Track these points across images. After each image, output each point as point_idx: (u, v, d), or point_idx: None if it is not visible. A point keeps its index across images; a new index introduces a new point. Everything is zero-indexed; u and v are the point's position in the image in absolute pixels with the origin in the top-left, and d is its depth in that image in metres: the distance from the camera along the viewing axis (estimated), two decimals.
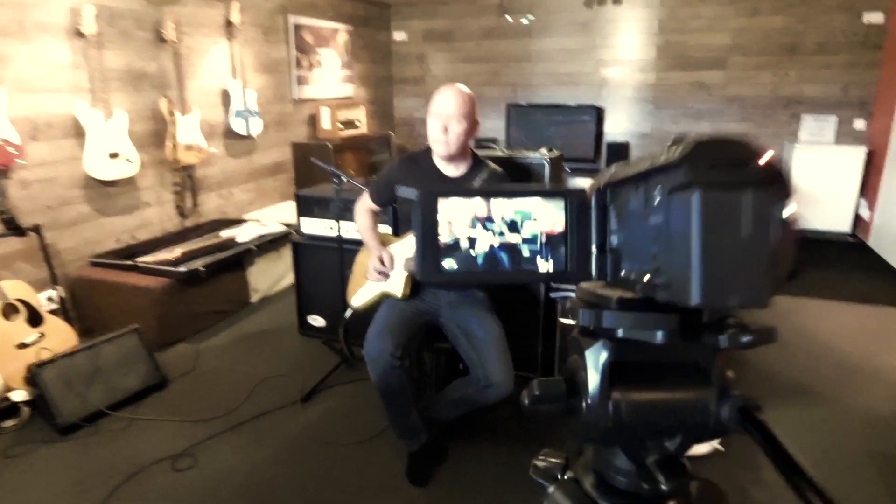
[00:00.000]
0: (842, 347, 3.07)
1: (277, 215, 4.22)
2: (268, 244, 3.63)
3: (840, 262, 4.52)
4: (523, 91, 5.96)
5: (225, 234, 3.63)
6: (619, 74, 5.61)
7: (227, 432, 2.35)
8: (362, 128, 5.31)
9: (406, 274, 2.09)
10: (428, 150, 2.13)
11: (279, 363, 2.92)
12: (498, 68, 5.98)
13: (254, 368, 2.86)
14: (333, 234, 2.90)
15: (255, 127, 4.27)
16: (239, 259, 3.48)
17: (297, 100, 4.92)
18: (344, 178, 2.54)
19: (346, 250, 2.70)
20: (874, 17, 4.76)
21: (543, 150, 2.54)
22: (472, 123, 1.98)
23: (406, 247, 2.13)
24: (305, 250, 3.05)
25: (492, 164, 2.13)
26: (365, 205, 2.27)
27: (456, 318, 2.09)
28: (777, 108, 5.24)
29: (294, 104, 4.90)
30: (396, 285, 2.10)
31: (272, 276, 3.77)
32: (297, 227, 3.06)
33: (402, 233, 2.20)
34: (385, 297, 2.16)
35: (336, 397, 2.61)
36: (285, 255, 3.82)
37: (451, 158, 2.05)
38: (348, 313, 2.41)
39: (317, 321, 3.15)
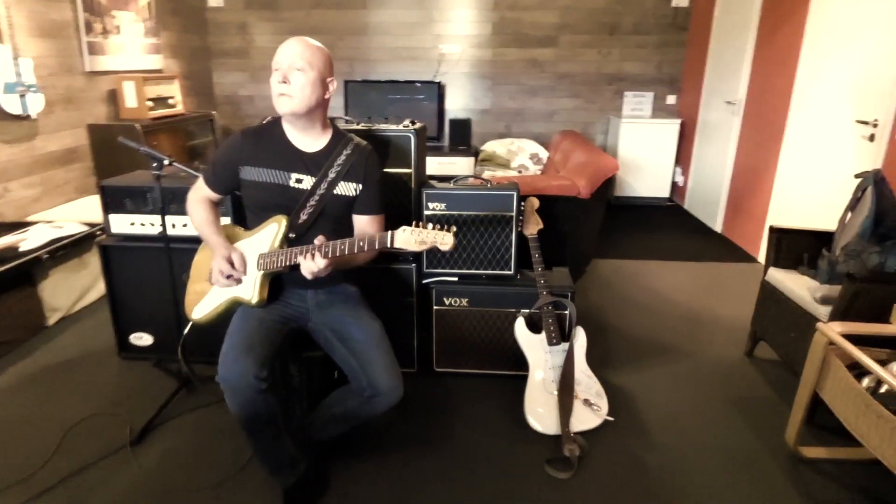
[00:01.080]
0: (685, 302, 3.30)
1: (75, 213, 3.43)
2: (65, 250, 2.90)
3: (663, 225, 4.96)
4: (360, 66, 5.62)
5: (2, 241, 2.82)
6: (457, 50, 5.53)
7: (32, 503, 1.77)
8: (177, 106, 4.57)
9: (261, 273, 1.70)
10: (276, 121, 1.76)
11: (96, 399, 2.32)
12: (332, 41, 5.54)
13: (61, 411, 2.23)
14: (155, 231, 2.37)
15: (35, 105, 3.40)
16: (26, 272, 2.72)
17: (91, 72, 4.04)
18: (166, 161, 2.03)
19: (176, 250, 2.21)
20: (681, 1, 5.24)
21: (407, 122, 2.28)
22: (322, 79, 1.65)
23: (259, 242, 1.74)
24: (118, 254, 2.45)
25: (356, 137, 1.82)
26: (200, 193, 1.83)
27: (327, 320, 1.77)
28: (602, 85, 5.57)
29: (87, 77, 4.02)
30: (250, 289, 1.71)
31: (75, 289, 3.04)
32: (104, 227, 2.44)
33: (251, 225, 1.80)
34: (236, 305, 1.76)
35: (178, 432, 2.12)
36: (91, 263, 3.11)
37: (305, 128, 1.71)
38: (188, 328, 1.94)
39: (142, 339, 2.57)
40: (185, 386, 2.33)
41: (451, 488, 1.85)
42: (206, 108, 5.43)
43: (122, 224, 2.42)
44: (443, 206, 2.30)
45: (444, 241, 1.44)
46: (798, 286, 2.36)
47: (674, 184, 5.57)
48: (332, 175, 1.72)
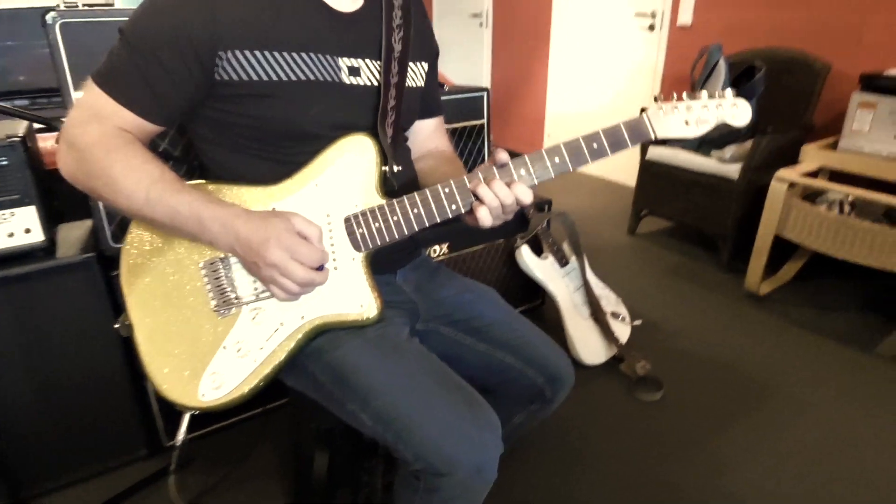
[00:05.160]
0: None
1: None
2: None
3: None
4: None
5: None
6: None
7: None
8: None
9: (363, 255, 0.88)
10: None
11: None
12: None
13: None
14: None
15: None
16: None
17: None
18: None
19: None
20: None
21: None
22: None
23: (323, 198, 0.88)
24: None
25: None
26: (110, 125, 0.81)
27: (437, 311, 1.06)
28: None
29: None
30: (358, 294, 0.87)
31: None
32: None
33: (265, 178, 0.90)
34: (314, 336, 0.88)
35: None
36: None
37: None
38: (184, 426, 0.86)
39: None
40: None
41: (566, 472, 1.44)
42: None
43: None
44: None
45: (736, 110, 0.88)
46: (690, 157, 2.56)
47: None
48: (398, 48, 0.96)
